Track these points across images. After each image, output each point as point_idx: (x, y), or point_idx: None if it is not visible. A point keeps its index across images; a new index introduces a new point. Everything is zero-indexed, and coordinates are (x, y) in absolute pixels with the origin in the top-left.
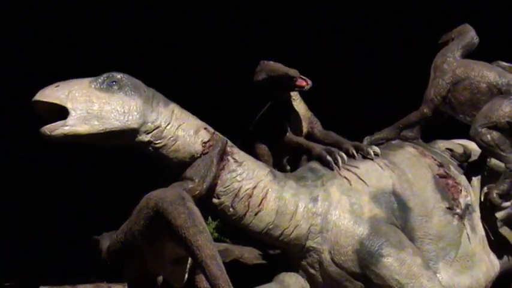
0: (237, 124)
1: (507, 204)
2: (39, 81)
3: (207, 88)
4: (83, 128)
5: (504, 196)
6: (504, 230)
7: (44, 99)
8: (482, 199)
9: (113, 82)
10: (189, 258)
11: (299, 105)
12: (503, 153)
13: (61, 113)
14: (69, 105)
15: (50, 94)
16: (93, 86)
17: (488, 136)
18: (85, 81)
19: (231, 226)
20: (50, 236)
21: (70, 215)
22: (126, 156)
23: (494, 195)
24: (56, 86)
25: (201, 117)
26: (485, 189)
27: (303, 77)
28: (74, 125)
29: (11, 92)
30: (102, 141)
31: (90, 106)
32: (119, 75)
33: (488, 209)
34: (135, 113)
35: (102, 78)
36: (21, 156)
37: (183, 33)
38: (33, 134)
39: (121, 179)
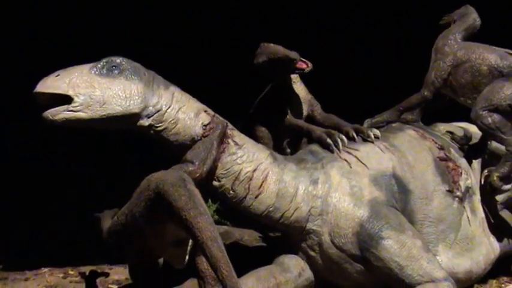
0: (237, 107)
1: (507, 187)
2: (37, 77)
3: (206, 70)
4: (85, 113)
5: (504, 179)
6: (504, 213)
7: (46, 91)
8: (482, 182)
9: (112, 67)
10: (190, 240)
11: (299, 88)
12: (504, 136)
13: (63, 100)
14: (71, 93)
15: (51, 84)
16: (93, 72)
17: (489, 119)
18: (85, 68)
19: (231, 209)
20: (49, 235)
21: (70, 215)
22: (126, 156)
23: (495, 177)
24: (57, 76)
25: (201, 99)
26: (485, 171)
27: (303, 59)
28: (77, 110)
29: (10, 91)
30: (104, 126)
31: (92, 92)
32: (118, 59)
33: (488, 191)
34: (137, 97)
35: (101, 63)
36: (21, 156)
37: (182, 15)
38: (33, 134)
39: (121, 179)
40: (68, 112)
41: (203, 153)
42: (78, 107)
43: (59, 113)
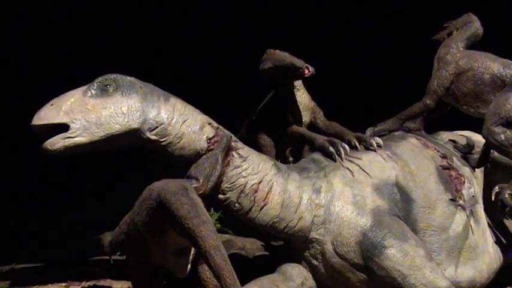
0: (239, 113)
1: None
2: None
3: (208, 77)
4: (84, 138)
5: None
6: (507, 222)
7: (41, 122)
8: (493, 198)
9: (106, 86)
10: (192, 249)
11: (302, 95)
12: None
13: (61, 129)
14: (66, 120)
15: (45, 115)
16: (87, 95)
17: (502, 136)
18: (78, 92)
19: (233, 217)
20: (51, 247)
21: (70, 215)
22: (128, 166)
23: (506, 195)
24: (51, 105)
25: (203, 106)
26: (496, 188)
27: (307, 65)
28: (75, 136)
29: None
30: (106, 147)
31: (87, 115)
32: (111, 77)
33: (499, 208)
34: (135, 112)
35: (94, 85)
36: (21, 155)
37: (183, 18)
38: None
39: (123, 188)
40: (66, 140)
41: (208, 170)
42: (76, 132)
43: (57, 142)
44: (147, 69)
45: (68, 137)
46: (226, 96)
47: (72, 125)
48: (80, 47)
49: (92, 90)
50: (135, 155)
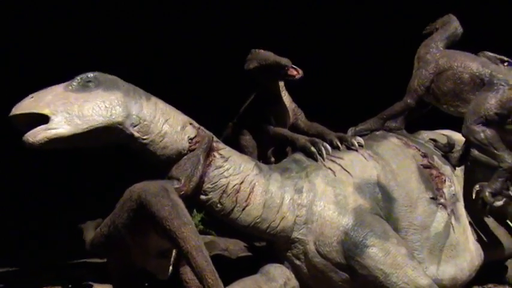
0: (221, 115)
1: (499, 203)
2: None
3: (190, 78)
4: (66, 130)
5: (496, 195)
6: (488, 220)
7: (21, 112)
8: (474, 197)
9: (88, 82)
10: (173, 251)
11: (284, 96)
12: (497, 152)
13: (42, 121)
14: (47, 111)
15: (26, 106)
16: (68, 89)
17: (482, 134)
18: (59, 87)
19: (216, 218)
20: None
21: (70, 215)
22: (110, 167)
23: (487, 193)
24: (31, 98)
25: (185, 107)
26: (477, 186)
27: (294, 66)
28: (57, 127)
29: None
30: (88, 141)
31: (70, 107)
32: (92, 74)
33: (479, 207)
34: (118, 107)
35: (76, 80)
36: (21, 155)
37: (164, 19)
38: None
39: (106, 189)
40: (48, 131)
41: (189, 170)
42: (58, 124)
43: (38, 134)
44: (126, 72)
45: (49, 129)
46: (208, 98)
47: (53, 117)
48: (58, 47)
49: (74, 86)
50: (135, 156)
